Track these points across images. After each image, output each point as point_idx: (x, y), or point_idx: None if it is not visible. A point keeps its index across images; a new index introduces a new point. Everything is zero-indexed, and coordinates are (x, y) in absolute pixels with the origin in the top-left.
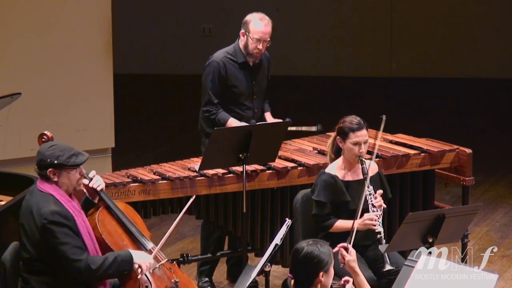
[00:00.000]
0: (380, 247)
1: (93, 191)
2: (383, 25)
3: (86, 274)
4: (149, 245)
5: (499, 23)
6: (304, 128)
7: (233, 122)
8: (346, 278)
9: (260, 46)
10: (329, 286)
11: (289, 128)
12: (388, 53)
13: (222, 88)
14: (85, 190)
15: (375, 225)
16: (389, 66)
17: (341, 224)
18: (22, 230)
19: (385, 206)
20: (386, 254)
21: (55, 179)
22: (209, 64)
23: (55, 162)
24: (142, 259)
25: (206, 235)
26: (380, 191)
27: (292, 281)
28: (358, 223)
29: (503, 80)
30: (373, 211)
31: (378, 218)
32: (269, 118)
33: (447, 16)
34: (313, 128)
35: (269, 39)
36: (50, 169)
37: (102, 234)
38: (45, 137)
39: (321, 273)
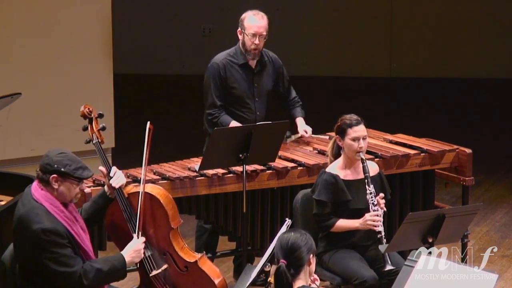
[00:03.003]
0: (380, 247)
1: (112, 189)
2: (383, 25)
3: (81, 285)
4: (140, 237)
5: (499, 23)
6: None
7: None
8: (315, 276)
9: (256, 41)
10: (314, 270)
11: None
12: (388, 53)
13: (223, 90)
14: (106, 188)
15: (376, 225)
16: (389, 66)
17: (342, 223)
18: (14, 240)
19: (385, 209)
20: (387, 254)
21: (55, 186)
22: (210, 66)
23: (62, 169)
24: (129, 251)
25: (199, 236)
26: (381, 195)
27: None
28: (359, 223)
29: (503, 80)
30: (374, 210)
31: (379, 218)
32: (300, 123)
33: (447, 16)
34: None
35: (265, 33)
36: (54, 175)
37: (107, 225)
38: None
39: (311, 255)
